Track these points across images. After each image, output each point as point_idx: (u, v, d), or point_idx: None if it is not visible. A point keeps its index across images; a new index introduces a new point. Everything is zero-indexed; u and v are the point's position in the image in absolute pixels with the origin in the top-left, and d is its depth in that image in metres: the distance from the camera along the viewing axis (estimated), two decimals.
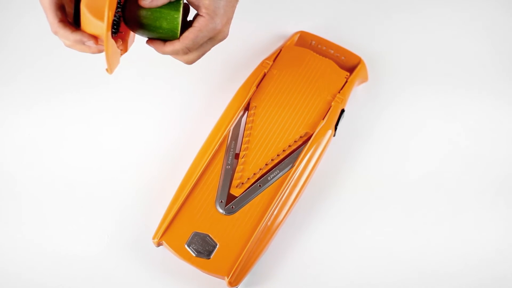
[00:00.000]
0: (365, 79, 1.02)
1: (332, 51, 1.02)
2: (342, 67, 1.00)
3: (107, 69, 0.74)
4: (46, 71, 1.03)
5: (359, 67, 1.00)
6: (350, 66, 1.01)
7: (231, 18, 0.80)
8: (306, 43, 1.03)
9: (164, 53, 0.79)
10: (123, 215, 0.93)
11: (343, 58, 1.02)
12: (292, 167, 0.90)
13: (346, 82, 0.97)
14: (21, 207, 0.93)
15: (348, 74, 0.98)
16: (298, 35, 1.03)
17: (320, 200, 0.95)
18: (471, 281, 0.90)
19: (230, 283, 0.85)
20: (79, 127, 0.99)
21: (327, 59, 0.99)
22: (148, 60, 1.00)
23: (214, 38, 0.79)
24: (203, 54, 0.80)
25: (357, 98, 1.02)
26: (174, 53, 0.79)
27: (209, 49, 0.80)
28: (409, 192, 0.95)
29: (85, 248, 0.90)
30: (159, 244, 0.88)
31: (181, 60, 0.81)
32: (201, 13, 0.76)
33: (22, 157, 0.96)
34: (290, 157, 0.92)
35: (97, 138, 0.98)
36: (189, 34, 0.77)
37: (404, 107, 1.02)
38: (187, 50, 0.78)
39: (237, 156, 0.92)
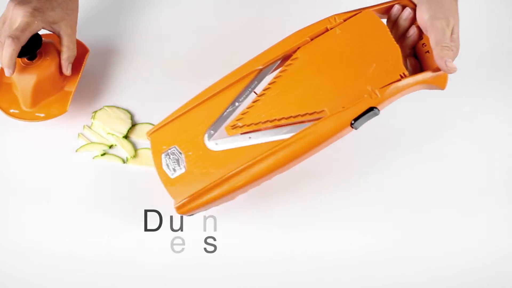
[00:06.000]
0: (439, 85, 0.84)
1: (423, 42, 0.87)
2: (426, 63, 0.86)
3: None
4: None
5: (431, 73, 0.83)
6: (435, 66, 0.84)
7: None
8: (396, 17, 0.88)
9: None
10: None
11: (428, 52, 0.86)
12: (287, 138, 0.83)
13: (397, 80, 0.82)
14: (19, 207, 0.94)
15: (405, 73, 0.82)
16: (403, 4, 0.87)
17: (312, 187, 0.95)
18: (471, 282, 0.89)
19: (176, 208, 0.86)
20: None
21: (396, 44, 0.84)
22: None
23: None
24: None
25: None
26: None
27: None
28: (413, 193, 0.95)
29: (85, 248, 0.91)
30: (148, 139, 0.90)
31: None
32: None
33: (20, 156, 0.98)
34: (292, 127, 0.84)
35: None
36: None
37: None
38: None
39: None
